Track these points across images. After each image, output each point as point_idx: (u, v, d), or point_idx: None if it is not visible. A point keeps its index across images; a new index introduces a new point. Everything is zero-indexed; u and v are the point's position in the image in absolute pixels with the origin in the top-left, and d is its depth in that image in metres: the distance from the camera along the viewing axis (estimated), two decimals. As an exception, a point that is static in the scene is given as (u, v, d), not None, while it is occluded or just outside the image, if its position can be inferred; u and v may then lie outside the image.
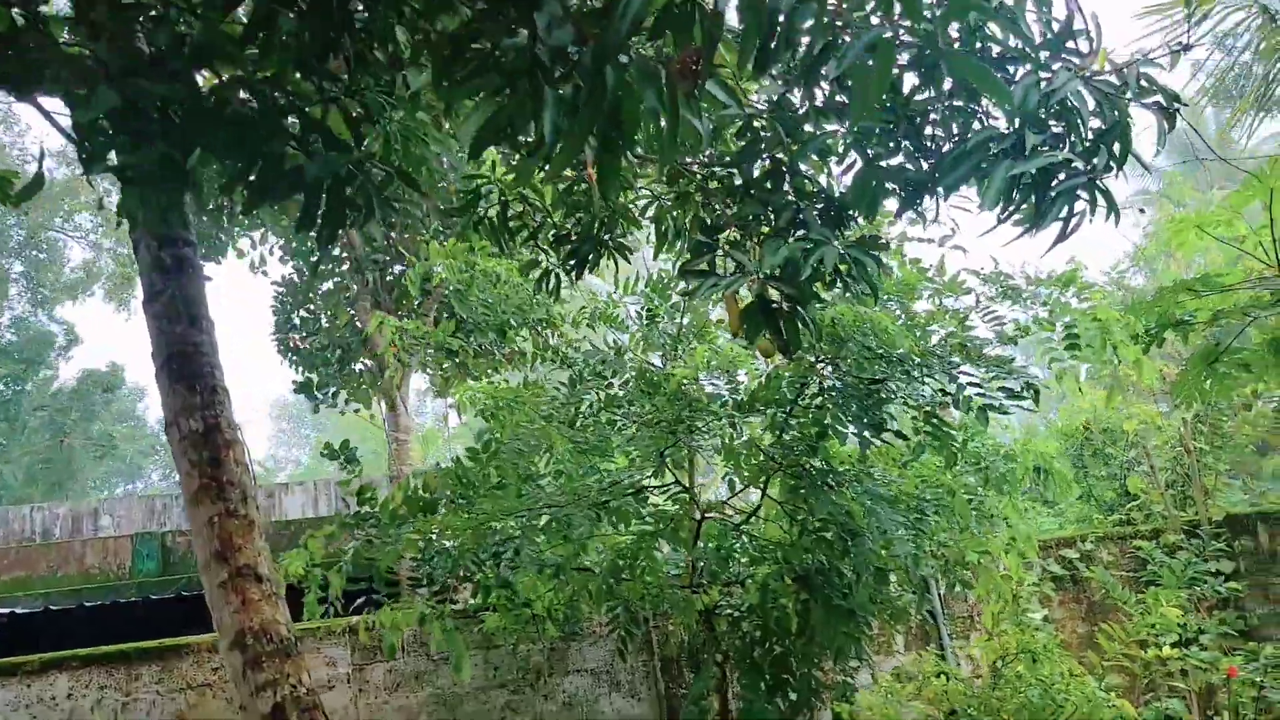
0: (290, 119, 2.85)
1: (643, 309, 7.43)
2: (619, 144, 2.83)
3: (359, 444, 9.42)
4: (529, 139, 4.68)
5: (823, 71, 3.09)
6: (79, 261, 32.29)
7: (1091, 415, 13.33)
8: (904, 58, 3.95)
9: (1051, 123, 3.82)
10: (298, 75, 3.16)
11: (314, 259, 11.79)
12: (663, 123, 2.77)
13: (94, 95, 2.76)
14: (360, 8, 3.10)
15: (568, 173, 5.61)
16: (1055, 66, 3.72)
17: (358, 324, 11.78)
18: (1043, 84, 3.66)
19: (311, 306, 12.53)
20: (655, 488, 7.03)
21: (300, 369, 12.19)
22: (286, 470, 50.14)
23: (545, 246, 5.91)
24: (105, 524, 15.23)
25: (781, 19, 2.41)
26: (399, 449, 11.87)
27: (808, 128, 4.54)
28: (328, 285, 12.43)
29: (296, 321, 12.47)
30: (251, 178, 2.78)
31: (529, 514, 6.33)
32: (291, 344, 12.39)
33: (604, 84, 2.53)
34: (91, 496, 31.31)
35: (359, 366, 12.12)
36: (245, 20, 3.26)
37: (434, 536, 6.32)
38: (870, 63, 2.51)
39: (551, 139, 2.70)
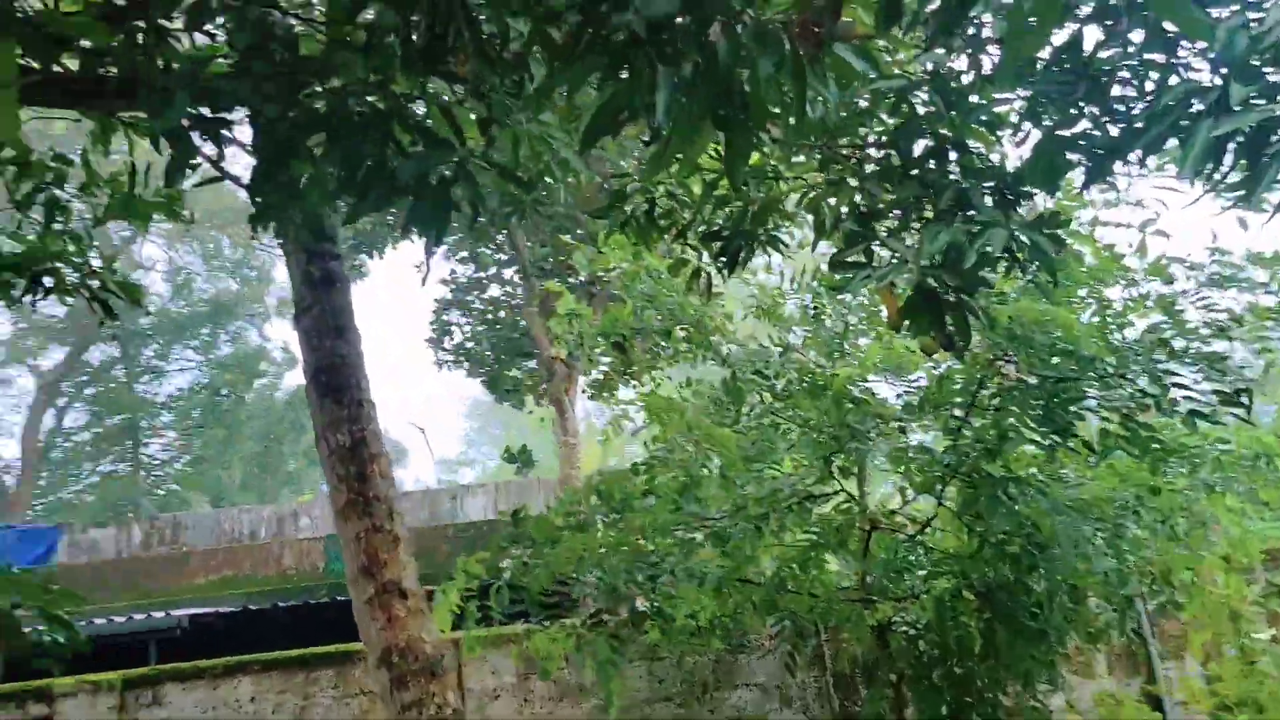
0: (393, 122, 2.70)
1: (807, 305, 7.05)
2: (742, 122, 2.53)
3: (538, 447, 9.46)
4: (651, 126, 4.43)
5: (971, 27, 2.68)
6: (284, 279, 34.53)
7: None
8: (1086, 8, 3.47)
9: (1268, 71, 3.23)
10: (408, 77, 3.02)
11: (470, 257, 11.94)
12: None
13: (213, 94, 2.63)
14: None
15: (711, 163, 5.33)
16: (1268, 4, 3.14)
17: (523, 327, 11.89)
18: (1252, 26, 3.09)
19: (474, 308, 12.75)
20: (821, 496, 6.63)
21: (454, 368, 12.39)
22: (477, 468, 52.09)
23: (694, 244, 5.64)
24: (305, 525, 16.06)
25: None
26: (567, 452, 11.89)
27: (974, 99, 4.09)
28: (494, 289, 12.61)
29: (456, 322, 12.71)
30: (353, 183, 2.64)
31: (684, 529, 6.07)
32: (445, 345, 12.63)
33: (715, 54, 2.24)
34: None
35: (521, 369, 12.25)
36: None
37: (585, 555, 6.15)
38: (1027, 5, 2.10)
39: (664, 120, 2.43)
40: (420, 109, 3.28)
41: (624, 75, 2.64)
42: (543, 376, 12.34)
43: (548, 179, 5.36)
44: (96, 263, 4.06)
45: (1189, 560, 6.38)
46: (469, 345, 12.84)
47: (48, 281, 3.86)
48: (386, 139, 2.57)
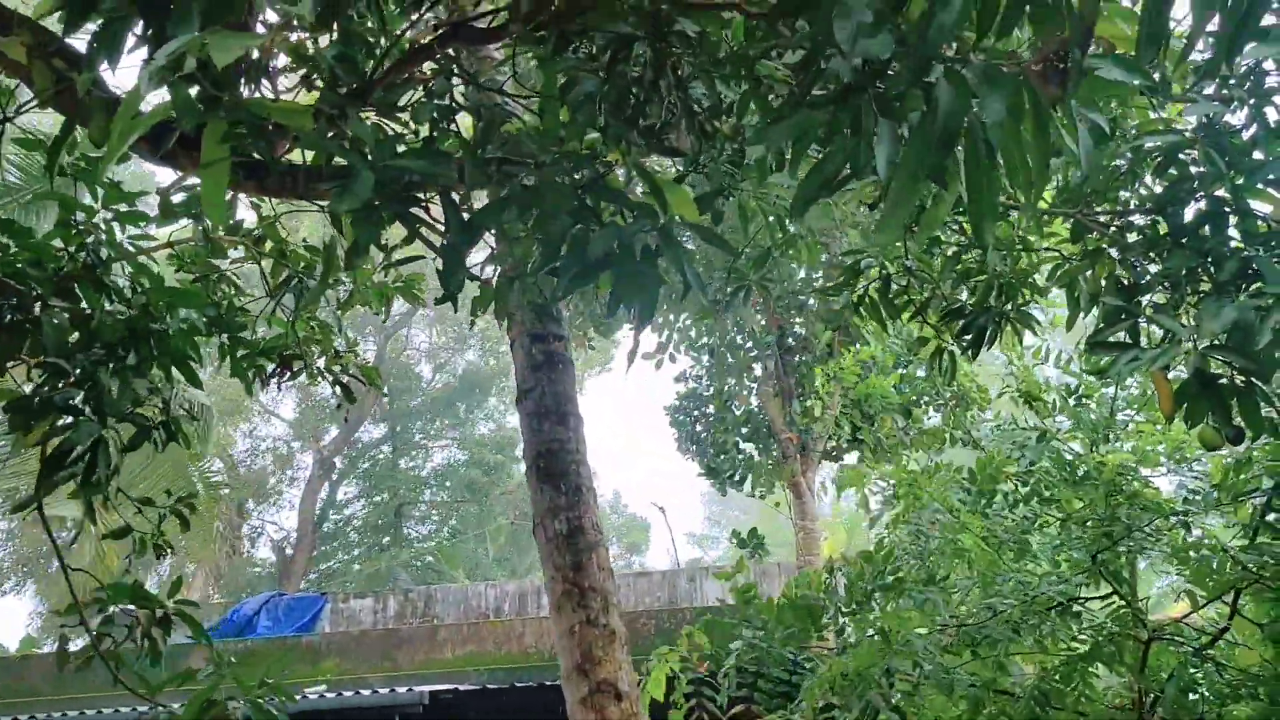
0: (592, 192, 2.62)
1: (1070, 387, 6.41)
2: (988, 170, 2.26)
3: (771, 533, 9.17)
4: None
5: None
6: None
7: None
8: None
9: None
10: (619, 150, 2.95)
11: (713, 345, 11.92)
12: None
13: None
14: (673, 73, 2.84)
15: (952, 237, 4.99)
16: None
17: (760, 410, 11.70)
18: None
19: (713, 395, 12.71)
20: (1088, 599, 5.94)
21: (701, 459, 12.36)
22: (719, 548, 51.82)
23: (934, 322, 5.28)
24: (545, 603, 16.38)
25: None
26: (806, 538, 11.48)
27: (1257, 155, 3.59)
28: (732, 377, 12.55)
29: (696, 414, 12.72)
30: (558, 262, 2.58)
31: (930, 626, 5.60)
32: (692, 435, 12.64)
33: (937, 100, 2.00)
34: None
35: (759, 452, 12.02)
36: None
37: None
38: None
39: (885, 176, 2.20)
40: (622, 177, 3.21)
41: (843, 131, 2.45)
42: (779, 461, 12.05)
43: (775, 253, 5.23)
44: (340, 346, 4.27)
45: None
46: (700, 433, 12.85)
47: (296, 366, 4.09)
48: (585, 209, 2.49)
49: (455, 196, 2.64)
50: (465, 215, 2.61)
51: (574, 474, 4.41)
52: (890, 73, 1.96)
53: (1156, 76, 3.35)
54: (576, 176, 2.57)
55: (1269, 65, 3.56)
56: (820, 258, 8.17)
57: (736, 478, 11.95)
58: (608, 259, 2.43)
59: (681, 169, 3.78)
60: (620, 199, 2.61)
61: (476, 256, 3.98)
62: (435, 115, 2.92)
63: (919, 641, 5.69)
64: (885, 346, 6.83)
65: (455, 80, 3.17)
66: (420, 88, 2.92)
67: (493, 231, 3.25)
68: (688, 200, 3.59)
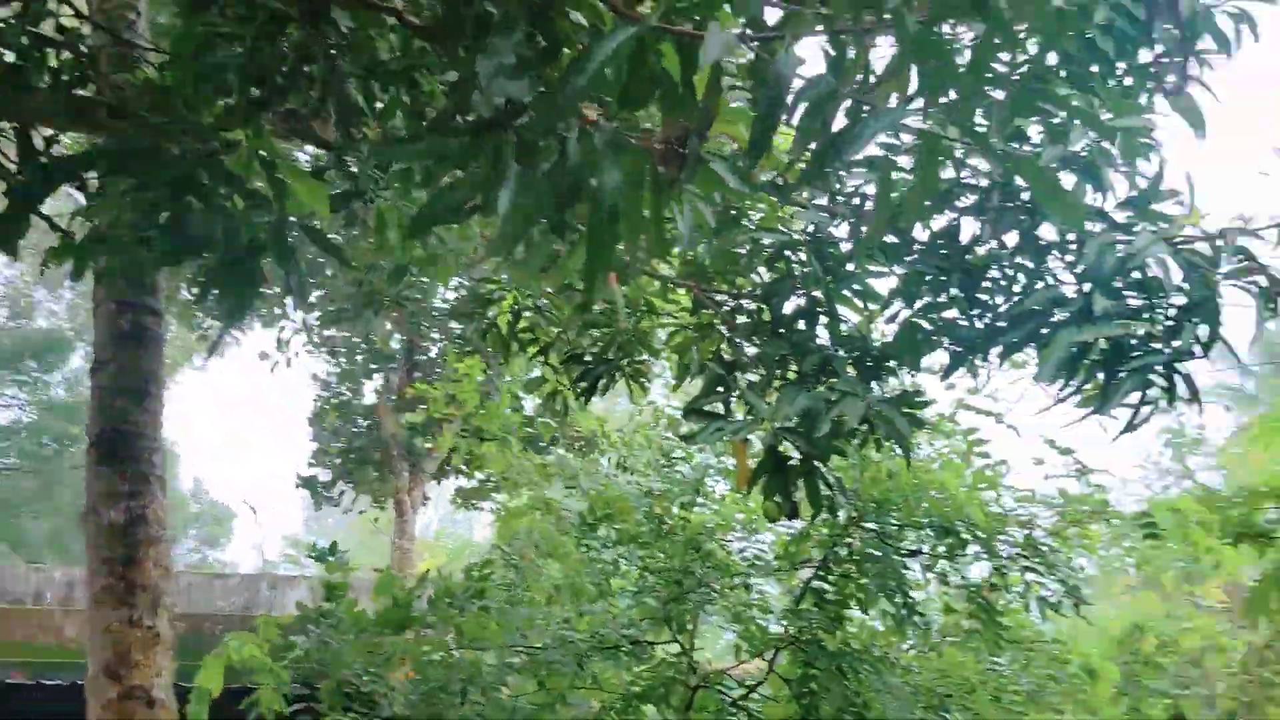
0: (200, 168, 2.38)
1: (666, 448, 6.81)
2: (607, 229, 2.33)
3: (372, 550, 8.86)
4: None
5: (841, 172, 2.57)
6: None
7: (1143, 618, 12.19)
8: (968, 199, 3.48)
9: (1129, 295, 3.27)
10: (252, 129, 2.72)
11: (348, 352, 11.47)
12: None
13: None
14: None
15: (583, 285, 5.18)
16: (1137, 229, 3.18)
17: (377, 423, 11.38)
18: (1119, 247, 3.12)
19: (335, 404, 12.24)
20: (650, 643, 6.32)
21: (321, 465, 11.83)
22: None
23: (556, 364, 5.42)
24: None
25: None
26: (401, 557, 11.26)
27: (850, 266, 4.05)
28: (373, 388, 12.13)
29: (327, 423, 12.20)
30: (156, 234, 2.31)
31: (500, 651, 5.68)
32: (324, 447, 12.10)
33: (565, 154, 2.04)
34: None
35: (373, 466, 11.68)
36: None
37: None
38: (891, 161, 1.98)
39: (503, 217, 2.20)
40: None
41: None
42: (385, 475, 11.78)
43: (413, 269, 5.12)
44: None
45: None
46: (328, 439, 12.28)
47: None
48: (192, 184, 2.26)
49: (42, 136, 2.30)
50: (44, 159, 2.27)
51: (144, 460, 3.98)
52: (529, 118, 1.98)
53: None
54: (195, 147, 2.33)
55: (869, 190, 4.04)
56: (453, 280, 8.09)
57: (332, 492, 11.40)
58: (204, 243, 2.22)
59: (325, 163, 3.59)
60: (235, 182, 2.40)
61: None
62: (25, 42, 2.53)
63: (488, 666, 5.77)
64: (510, 379, 6.89)
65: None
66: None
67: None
68: (321, 195, 3.40)
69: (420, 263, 5.14)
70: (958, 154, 3.04)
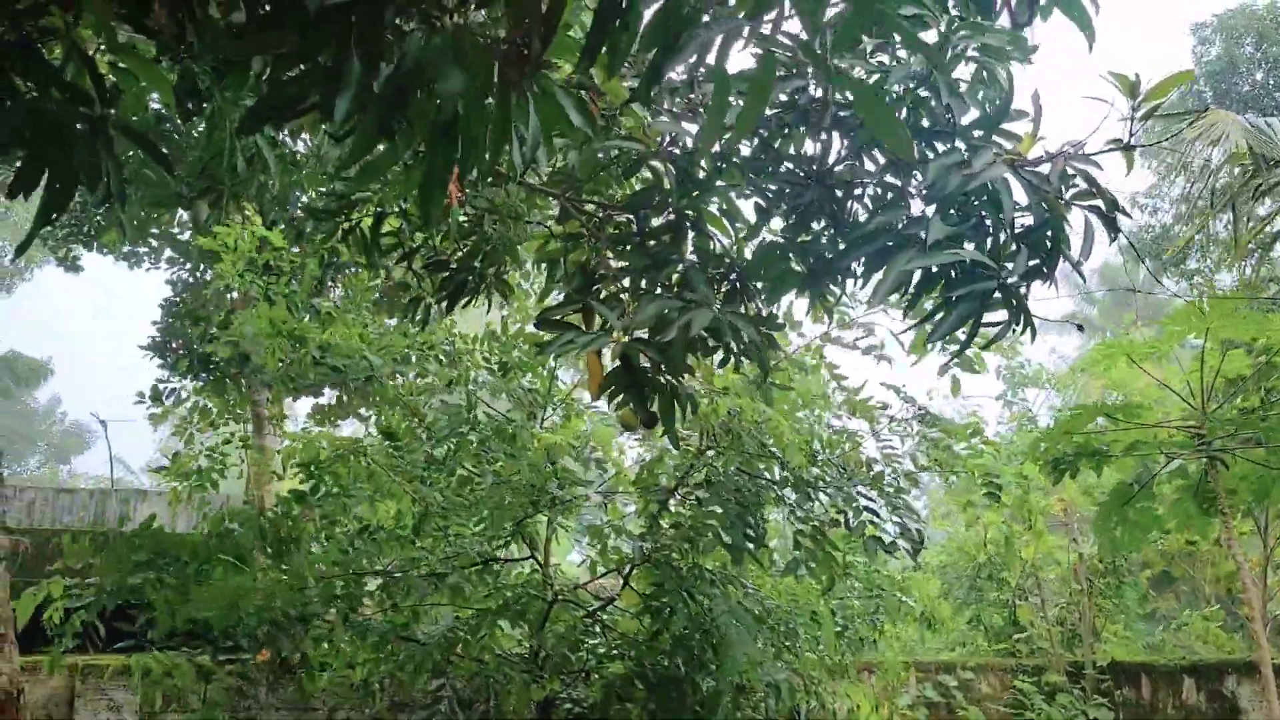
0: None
1: (495, 359, 6.65)
2: (445, 145, 2.21)
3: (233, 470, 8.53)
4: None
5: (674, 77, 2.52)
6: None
7: (988, 537, 12.94)
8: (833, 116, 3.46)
9: (977, 214, 3.31)
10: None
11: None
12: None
13: None
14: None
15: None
16: (984, 150, 3.20)
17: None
18: (961, 168, 3.14)
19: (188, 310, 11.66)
20: (507, 560, 6.32)
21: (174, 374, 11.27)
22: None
23: (419, 270, 5.25)
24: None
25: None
26: (258, 472, 10.94)
27: (719, 183, 4.01)
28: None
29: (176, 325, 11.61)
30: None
31: (352, 576, 5.58)
32: (169, 350, 11.51)
33: (404, 54, 1.93)
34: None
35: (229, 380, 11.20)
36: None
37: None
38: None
39: (343, 119, 2.08)
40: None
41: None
42: (242, 389, 11.37)
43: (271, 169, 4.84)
44: None
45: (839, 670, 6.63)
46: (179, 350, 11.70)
47: None
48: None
49: None
50: None
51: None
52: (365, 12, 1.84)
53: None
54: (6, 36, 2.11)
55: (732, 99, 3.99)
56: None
57: (177, 400, 10.81)
58: (22, 136, 2.03)
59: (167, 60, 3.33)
60: (51, 75, 2.19)
61: None
62: None
63: (340, 590, 5.68)
64: (353, 293, 6.61)
65: None
66: None
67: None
68: (163, 82, 3.16)
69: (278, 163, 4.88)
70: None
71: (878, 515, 5.59)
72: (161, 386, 10.48)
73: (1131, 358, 7.62)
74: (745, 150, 3.82)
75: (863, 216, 3.64)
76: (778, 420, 5.20)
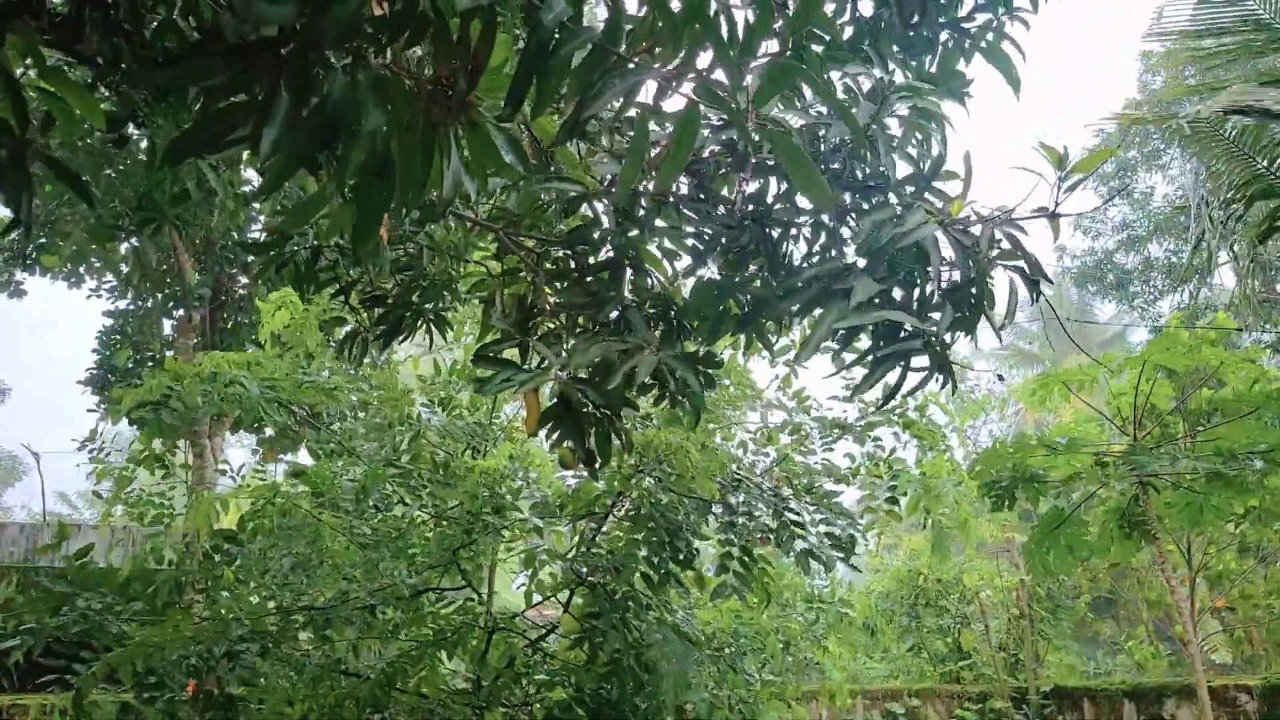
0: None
1: (436, 398, 6.69)
2: (379, 181, 2.25)
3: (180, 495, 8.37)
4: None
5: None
6: None
7: (925, 564, 13.14)
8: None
9: (905, 269, 3.41)
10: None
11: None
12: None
13: None
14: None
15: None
16: (915, 207, 3.32)
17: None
18: (893, 225, 3.25)
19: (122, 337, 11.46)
20: (445, 590, 6.30)
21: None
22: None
23: (356, 305, 5.24)
24: None
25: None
26: (199, 504, 10.70)
27: (660, 223, 4.07)
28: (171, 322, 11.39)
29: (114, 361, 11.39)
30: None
31: (283, 612, 5.51)
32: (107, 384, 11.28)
33: (329, 91, 1.96)
34: None
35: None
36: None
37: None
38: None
39: (269, 154, 2.09)
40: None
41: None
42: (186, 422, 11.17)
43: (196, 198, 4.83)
44: None
45: (772, 690, 6.65)
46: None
47: None
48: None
49: None
50: None
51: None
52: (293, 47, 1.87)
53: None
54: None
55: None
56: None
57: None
58: None
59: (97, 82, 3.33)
60: None
61: None
62: None
63: (272, 624, 5.61)
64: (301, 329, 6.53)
65: None
66: None
67: None
68: (95, 110, 3.15)
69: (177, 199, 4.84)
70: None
71: (803, 527, 5.61)
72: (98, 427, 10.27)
73: (1066, 385, 7.84)
74: (684, 189, 3.90)
75: (798, 257, 3.74)
76: (688, 448, 5.25)
